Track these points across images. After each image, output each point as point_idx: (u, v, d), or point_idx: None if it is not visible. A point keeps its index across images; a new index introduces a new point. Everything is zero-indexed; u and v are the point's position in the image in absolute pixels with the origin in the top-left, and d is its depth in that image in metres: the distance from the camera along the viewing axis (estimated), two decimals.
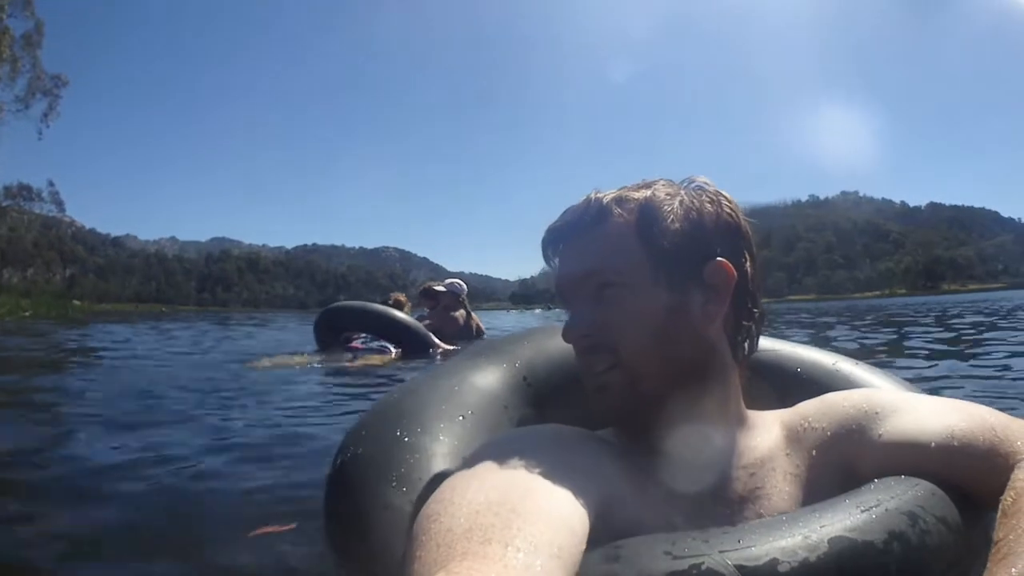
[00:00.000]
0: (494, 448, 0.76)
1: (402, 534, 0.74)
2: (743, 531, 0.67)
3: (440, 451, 0.94)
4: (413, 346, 5.11)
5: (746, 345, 0.91)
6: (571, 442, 0.80)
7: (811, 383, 1.11)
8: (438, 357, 5.05)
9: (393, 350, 4.98)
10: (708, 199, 0.89)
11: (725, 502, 0.82)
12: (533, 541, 0.57)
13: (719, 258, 0.86)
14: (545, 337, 1.25)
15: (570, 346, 0.91)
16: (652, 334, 0.84)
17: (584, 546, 0.63)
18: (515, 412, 1.10)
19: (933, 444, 0.78)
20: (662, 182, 0.91)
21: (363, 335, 5.26)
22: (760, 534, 0.66)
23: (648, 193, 0.88)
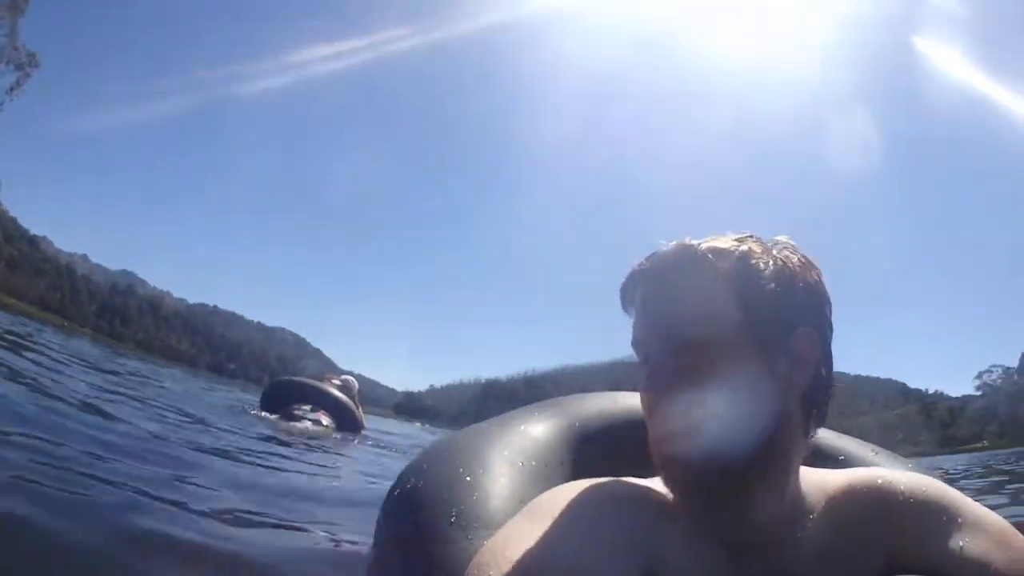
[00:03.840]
0: (548, 502, 0.76)
1: (454, 571, 0.77)
2: None
3: (500, 493, 0.94)
4: (346, 421, 6.20)
5: (817, 420, 0.86)
6: (624, 498, 0.80)
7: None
8: (363, 432, 6.46)
9: (324, 422, 5.89)
10: (799, 262, 0.85)
11: None
12: None
13: (806, 326, 0.82)
14: (607, 401, 1.30)
15: (628, 413, 0.95)
16: (738, 398, 0.79)
17: None
18: (570, 468, 1.11)
19: (993, 570, 0.76)
20: (753, 238, 0.86)
21: (305, 406, 5.97)
22: None
23: (744, 248, 0.84)
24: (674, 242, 0.86)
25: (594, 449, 1.18)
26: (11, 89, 32.99)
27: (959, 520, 0.81)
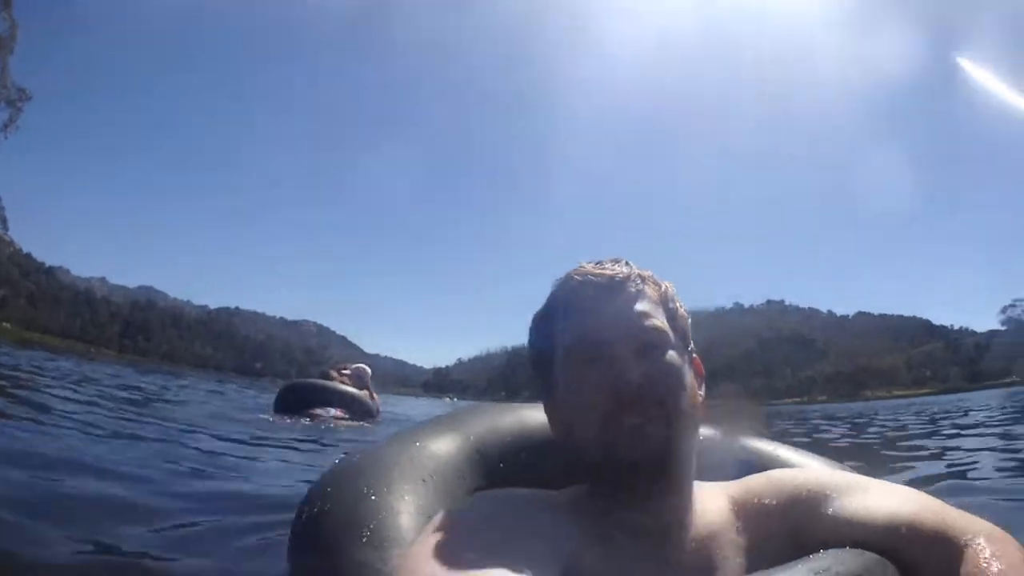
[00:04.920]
0: (455, 518, 0.81)
1: None
2: None
3: (406, 510, 0.97)
4: (357, 410, 6.37)
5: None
6: (530, 507, 0.87)
7: (753, 468, 1.16)
8: (377, 419, 6.55)
9: (335, 415, 6.12)
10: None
11: (680, 572, 0.87)
12: None
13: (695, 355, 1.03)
14: (497, 414, 1.35)
15: (518, 425, 1.15)
16: (688, 394, 0.94)
17: None
18: (470, 482, 1.16)
19: (880, 522, 0.83)
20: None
21: (318, 409, 6.15)
22: None
23: (668, 283, 1.03)
24: (608, 260, 1.02)
25: (490, 462, 1.24)
26: (5, 127, 31.17)
27: (860, 492, 0.90)
